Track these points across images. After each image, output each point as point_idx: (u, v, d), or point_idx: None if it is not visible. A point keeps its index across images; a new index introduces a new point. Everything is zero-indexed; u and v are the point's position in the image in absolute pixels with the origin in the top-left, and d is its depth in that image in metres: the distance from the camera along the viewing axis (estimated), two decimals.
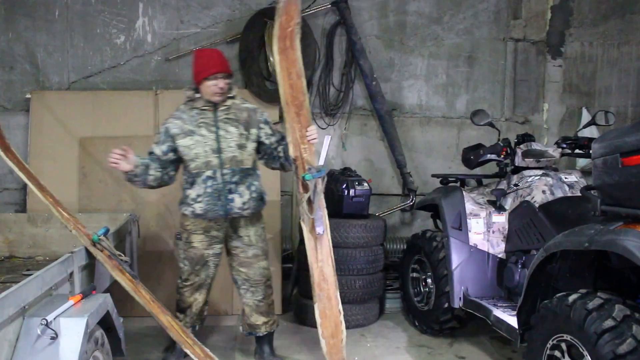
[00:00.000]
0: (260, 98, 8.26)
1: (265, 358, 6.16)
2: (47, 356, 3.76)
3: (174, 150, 5.66)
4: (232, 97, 5.77)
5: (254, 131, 5.75)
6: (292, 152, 5.80)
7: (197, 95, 5.68)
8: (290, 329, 7.33)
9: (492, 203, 6.45)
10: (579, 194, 5.64)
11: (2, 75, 8.39)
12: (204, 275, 5.98)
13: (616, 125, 6.49)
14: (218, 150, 5.61)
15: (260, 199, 5.92)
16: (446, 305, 6.53)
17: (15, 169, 5.44)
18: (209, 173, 5.62)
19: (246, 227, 5.93)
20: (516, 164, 6.40)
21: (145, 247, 7.55)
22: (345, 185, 7.22)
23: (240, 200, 5.70)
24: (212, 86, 5.55)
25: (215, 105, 5.66)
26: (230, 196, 5.66)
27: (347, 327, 7.11)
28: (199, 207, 5.67)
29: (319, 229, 5.84)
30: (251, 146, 5.78)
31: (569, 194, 5.88)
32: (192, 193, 5.69)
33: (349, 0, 8.71)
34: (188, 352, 5.16)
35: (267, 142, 5.83)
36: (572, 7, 9.17)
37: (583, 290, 4.28)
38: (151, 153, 5.68)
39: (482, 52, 9.19)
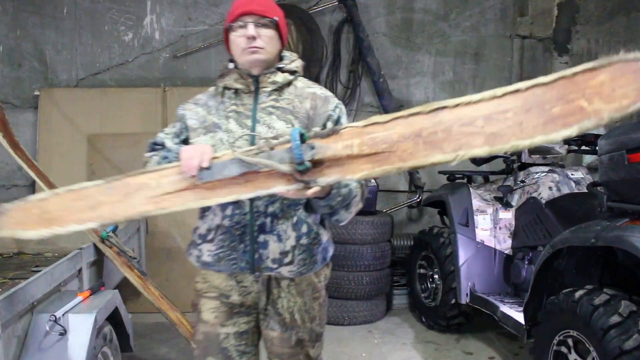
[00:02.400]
0: None
1: None
2: (55, 352, 3.77)
3: None
4: (291, 74, 3.30)
5: (314, 129, 3.09)
6: None
7: (231, 65, 3.31)
8: None
9: (498, 199, 6.47)
10: (586, 191, 5.66)
11: (11, 72, 8.42)
12: None
13: (622, 122, 6.50)
14: None
15: (317, 250, 3.26)
16: (453, 301, 6.54)
17: (24, 166, 5.45)
18: None
19: (289, 294, 3.31)
20: (523, 161, 6.41)
21: (154, 244, 7.55)
22: None
23: (277, 247, 3.14)
24: (239, 37, 3.16)
25: (256, 84, 3.23)
26: (261, 238, 3.13)
27: (355, 324, 7.19)
28: (207, 252, 3.22)
29: None
30: None
31: (576, 191, 5.89)
32: (202, 226, 3.27)
33: None
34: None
35: None
36: (579, 4, 9.16)
37: (589, 287, 4.29)
38: (158, 145, 3.32)
39: (489, 49, 9.20)
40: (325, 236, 3.31)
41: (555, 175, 6.00)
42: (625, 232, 3.93)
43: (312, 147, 2.57)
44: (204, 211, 3.29)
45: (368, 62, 8.57)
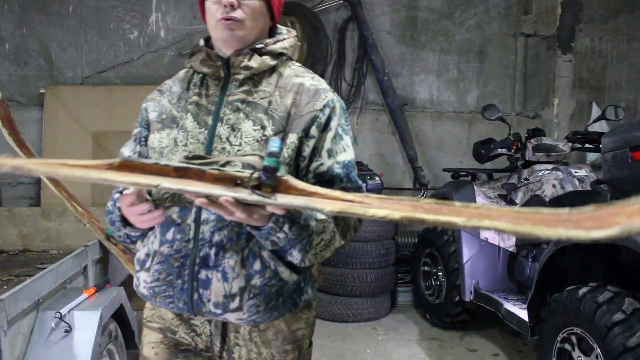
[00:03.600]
0: None
1: None
2: (61, 349, 3.79)
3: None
4: (275, 57, 2.49)
5: (292, 138, 2.36)
6: None
7: (202, 42, 2.59)
8: None
9: (502, 197, 6.48)
10: (589, 188, 5.67)
11: (17, 70, 8.43)
12: None
13: (626, 119, 6.52)
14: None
15: (277, 293, 2.44)
16: (457, 298, 6.55)
17: None
18: (174, 213, 2.43)
19: (250, 343, 2.56)
20: (527, 158, 6.42)
21: None
22: None
23: (221, 287, 2.38)
24: (214, 4, 2.41)
25: (227, 68, 2.45)
26: (202, 274, 2.38)
27: (359, 321, 7.20)
28: (144, 282, 2.54)
29: None
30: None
31: (579, 188, 5.90)
32: (141, 249, 2.58)
33: None
34: None
35: (311, 167, 2.42)
36: (582, 2, 9.16)
37: (593, 284, 4.31)
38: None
39: (493, 48, 9.21)
40: (285, 272, 2.39)
41: (559, 173, 6.01)
42: None
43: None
44: (147, 230, 2.50)
45: (372, 60, 8.58)
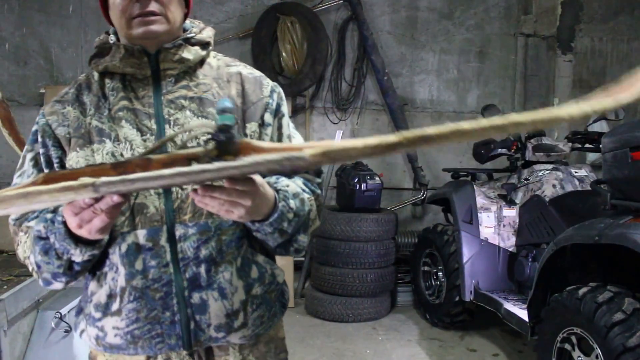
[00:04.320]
0: None
1: None
2: (60, 349, 3.80)
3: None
4: (203, 47, 2.24)
5: (252, 127, 2.21)
6: None
7: (112, 38, 2.20)
8: (302, 321, 7.36)
9: (502, 197, 6.48)
10: (589, 188, 5.66)
11: (17, 70, 8.44)
12: None
13: (626, 119, 6.52)
14: None
15: (275, 297, 2.31)
16: (457, 298, 6.55)
17: None
18: (139, 238, 2.06)
19: None
20: (527, 159, 6.42)
21: None
22: (357, 179, 7.26)
23: (221, 307, 2.13)
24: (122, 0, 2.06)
25: (154, 65, 2.16)
26: (195, 297, 2.09)
27: (359, 321, 7.20)
28: (114, 330, 2.12)
29: None
30: None
31: (579, 188, 5.89)
32: (97, 291, 2.15)
33: None
34: None
35: None
36: (582, 2, 9.16)
37: (593, 284, 4.30)
38: None
39: (493, 48, 9.22)
40: (281, 275, 2.30)
41: (559, 173, 6.01)
42: (629, 229, 3.94)
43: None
44: (97, 267, 2.11)
45: (372, 60, 8.59)
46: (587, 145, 6.40)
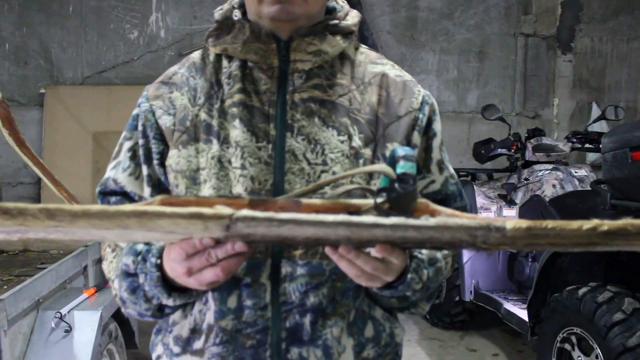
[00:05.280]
0: None
1: None
2: (61, 349, 3.78)
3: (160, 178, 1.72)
4: (345, 37, 1.71)
5: (393, 147, 1.56)
6: None
7: (237, 13, 1.68)
8: None
9: (502, 197, 6.47)
10: (589, 188, 5.66)
11: (17, 70, 8.45)
12: None
13: (626, 119, 6.52)
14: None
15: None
16: (457, 298, 6.55)
17: (30, 163, 5.47)
18: (238, 270, 1.57)
19: None
20: (527, 159, 6.42)
21: None
22: None
23: None
24: None
25: (285, 54, 1.66)
26: (293, 353, 1.62)
27: None
28: None
29: None
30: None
31: (579, 188, 5.89)
32: (180, 322, 1.72)
33: None
34: None
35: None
36: (582, 2, 9.18)
37: (593, 284, 4.30)
38: (113, 195, 1.77)
39: (493, 48, 9.22)
40: (401, 335, 1.81)
41: (559, 173, 6.01)
42: None
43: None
44: (184, 291, 1.54)
45: None
46: (587, 145, 6.40)
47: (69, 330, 3.80)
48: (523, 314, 5.31)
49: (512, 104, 9.29)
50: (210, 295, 1.62)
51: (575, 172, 6.07)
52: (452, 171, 1.83)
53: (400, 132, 1.67)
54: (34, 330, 3.77)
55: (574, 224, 0.95)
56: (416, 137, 1.70)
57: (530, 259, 5.84)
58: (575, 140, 6.38)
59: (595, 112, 8.85)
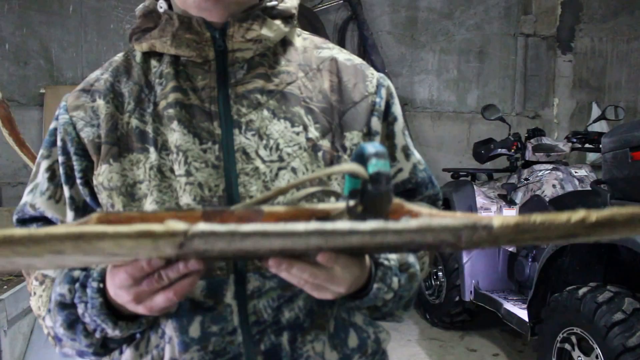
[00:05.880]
0: None
1: None
2: None
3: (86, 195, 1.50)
4: (286, 21, 1.53)
5: (353, 138, 1.50)
6: None
7: (162, 5, 1.48)
8: None
9: (502, 197, 6.48)
10: (589, 188, 5.67)
11: (17, 70, 8.44)
12: None
13: (626, 119, 6.52)
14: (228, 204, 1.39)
15: None
16: (457, 298, 6.55)
17: (30, 164, 5.47)
18: (195, 292, 1.39)
19: None
20: (527, 159, 6.42)
21: None
22: None
23: None
24: None
25: (222, 44, 1.46)
26: None
27: None
28: None
29: None
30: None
31: (579, 188, 5.90)
32: None
33: None
34: None
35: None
36: (582, 2, 9.18)
37: (593, 284, 4.30)
38: (31, 222, 1.57)
39: (493, 48, 9.22)
40: (387, 340, 1.63)
41: (559, 173, 6.01)
42: None
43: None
44: (133, 319, 1.37)
45: (372, 60, 8.58)
46: (587, 145, 6.40)
47: None
48: (523, 314, 5.31)
49: (512, 104, 9.30)
50: (168, 325, 1.42)
51: (575, 172, 6.07)
52: (419, 157, 1.67)
53: (358, 119, 1.51)
54: (34, 330, 3.78)
55: (563, 217, 0.89)
56: (376, 123, 1.54)
57: (530, 259, 5.84)
58: (575, 140, 6.38)
59: (595, 112, 8.86)
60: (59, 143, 1.51)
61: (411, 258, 1.45)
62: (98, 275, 1.30)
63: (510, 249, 6.20)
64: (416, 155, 1.65)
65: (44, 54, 8.45)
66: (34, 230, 0.81)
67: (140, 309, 1.21)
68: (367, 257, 1.30)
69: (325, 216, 1.12)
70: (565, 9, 9.16)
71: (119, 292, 1.20)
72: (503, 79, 9.27)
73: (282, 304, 1.40)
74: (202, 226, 0.86)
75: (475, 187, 6.64)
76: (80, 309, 1.33)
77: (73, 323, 1.36)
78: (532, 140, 6.41)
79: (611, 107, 6.56)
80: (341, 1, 8.66)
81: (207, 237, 0.86)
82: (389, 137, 1.58)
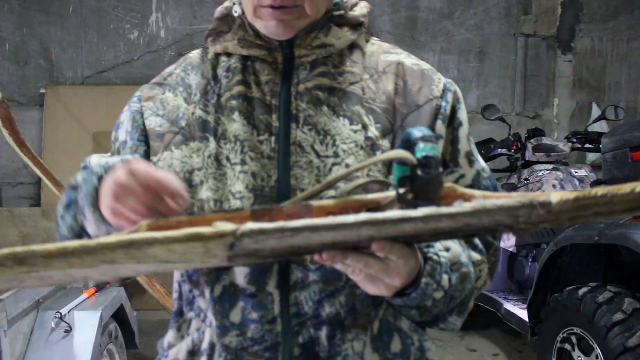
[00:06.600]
0: None
1: None
2: (61, 349, 3.79)
3: None
4: (354, 28, 1.58)
5: None
6: None
7: (237, 9, 1.54)
8: None
9: None
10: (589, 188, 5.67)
11: (17, 70, 8.44)
12: None
13: (626, 119, 6.52)
14: (280, 198, 1.41)
15: None
16: None
17: (30, 164, 5.48)
18: (238, 278, 1.42)
19: None
20: (527, 159, 6.41)
21: None
22: None
23: None
24: None
25: (289, 50, 1.51)
26: None
27: None
28: None
29: None
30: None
31: (579, 188, 5.89)
32: (177, 344, 1.56)
33: None
34: None
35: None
36: (582, 2, 9.17)
37: (593, 284, 4.31)
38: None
39: (493, 48, 9.21)
40: (432, 349, 1.58)
41: (558, 173, 6.01)
42: (629, 229, 3.94)
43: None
44: (181, 312, 1.58)
45: None
46: (587, 145, 6.41)
47: (69, 330, 3.81)
48: (523, 314, 5.31)
49: (512, 104, 9.29)
50: (209, 308, 1.45)
51: (575, 172, 6.07)
52: (484, 164, 1.65)
53: (421, 121, 1.50)
54: (33, 330, 3.78)
55: (626, 187, 0.86)
56: (440, 127, 1.53)
57: (530, 259, 5.85)
58: (575, 140, 6.39)
59: (595, 112, 8.85)
60: (128, 128, 1.60)
61: (464, 258, 1.40)
62: (103, 169, 1.36)
63: (510, 249, 6.20)
64: (480, 163, 1.63)
65: (44, 54, 8.46)
66: (85, 241, 0.85)
67: (108, 217, 1.25)
68: (418, 252, 1.25)
69: (375, 206, 1.11)
70: (565, 9, 9.16)
71: (104, 192, 1.24)
72: (503, 79, 9.25)
73: (323, 298, 1.40)
74: (251, 225, 0.88)
75: None
76: (80, 190, 1.40)
77: (70, 204, 1.44)
78: (532, 140, 6.41)
79: (611, 107, 6.56)
80: None
81: (257, 235, 0.88)
82: (453, 142, 1.57)
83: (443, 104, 1.55)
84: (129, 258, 0.87)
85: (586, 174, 6.08)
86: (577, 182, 5.95)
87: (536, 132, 6.55)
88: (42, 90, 8.24)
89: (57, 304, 3.95)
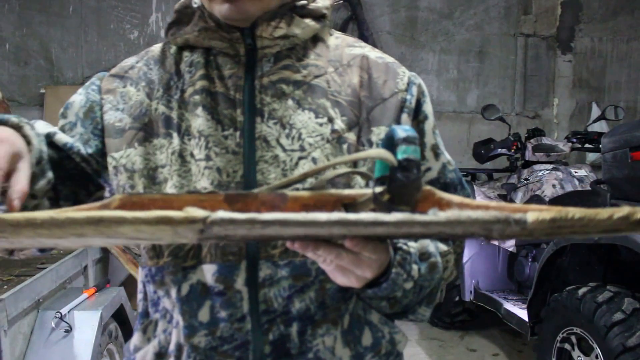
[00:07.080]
0: None
1: None
2: (61, 349, 3.78)
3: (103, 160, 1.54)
4: (318, 19, 1.54)
5: (380, 134, 1.49)
6: None
7: (195, 2, 1.54)
8: None
9: (502, 197, 6.47)
10: (589, 188, 5.67)
11: (17, 70, 8.44)
12: None
13: (626, 119, 6.52)
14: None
15: None
16: (457, 298, 6.54)
17: None
18: (206, 276, 1.40)
19: None
20: (526, 159, 6.41)
21: None
22: None
23: None
24: None
25: (251, 40, 1.48)
26: None
27: None
28: None
29: None
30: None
31: (579, 188, 5.90)
32: (144, 346, 1.54)
33: None
34: None
35: None
36: (582, 2, 9.18)
37: (593, 284, 4.31)
38: (49, 137, 1.52)
39: (493, 48, 9.22)
40: (403, 341, 1.60)
41: (558, 173, 6.01)
42: None
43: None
44: (146, 313, 1.57)
45: None
46: (587, 145, 6.40)
47: (69, 330, 3.80)
48: (523, 314, 5.31)
49: (512, 104, 9.29)
50: (176, 309, 1.43)
51: (575, 172, 6.07)
52: (449, 157, 1.65)
53: (386, 115, 1.50)
54: (34, 330, 3.77)
55: (604, 213, 0.85)
56: (405, 121, 1.52)
57: (530, 259, 5.84)
58: (575, 140, 6.39)
59: (595, 112, 8.85)
60: (80, 115, 1.55)
61: (432, 248, 1.41)
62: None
63: (510, 249, 6.19)
64: (446, 155, 1.64)
65: (44, 54, 8.46)
66: (55, 213, 0.84)
67: None
68: (389, 245, 1.26)
69: (351, 202, 1.11)
70: (565, 9, 9.16)
71: None
72: (503, 79, 9.26)
73: (293, 294, 1.39)
74: (221, 214, 0.86)
75: (475, 187, 6.64)
76: None
77: None
78: (532, 140, 6.41)
79: (611, 107, 6.56)
80: (341, 1, 8.64)
81: (227, 224, 0.86)
82: (418, 136, 1.38)
83: (408, 97, 1.54)
84: (98, 233, 0.87)
85: (586, 174, 6.08)
86: (577, 182, 5.95)
87: (536, 132, 6.55)
88: (42, 90, 8.25)
89: (57, 304, 3.94)
